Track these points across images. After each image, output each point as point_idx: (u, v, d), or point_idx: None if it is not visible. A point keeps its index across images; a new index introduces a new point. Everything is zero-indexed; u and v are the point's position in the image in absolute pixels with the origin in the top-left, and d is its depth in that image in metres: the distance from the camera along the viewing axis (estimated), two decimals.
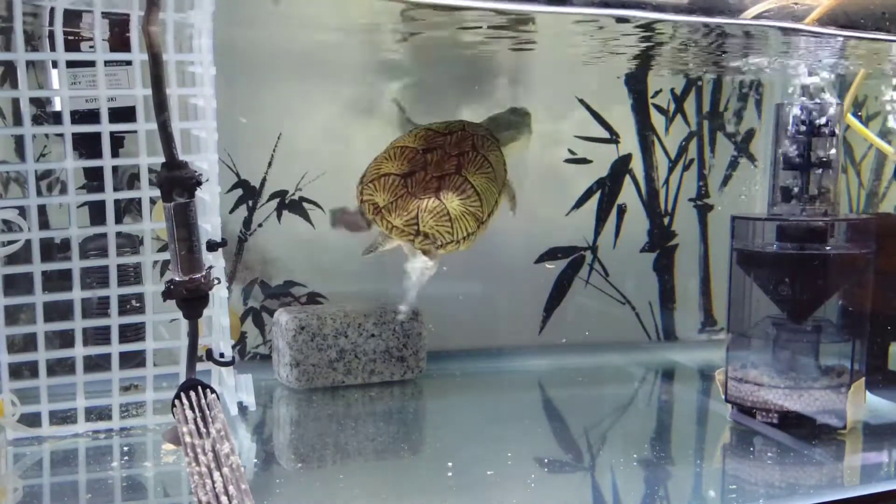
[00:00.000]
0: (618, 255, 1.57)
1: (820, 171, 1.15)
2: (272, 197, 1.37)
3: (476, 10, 0.97)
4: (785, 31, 1.00)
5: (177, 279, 0.84)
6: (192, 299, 0.85)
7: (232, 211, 1.35)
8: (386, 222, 1.18)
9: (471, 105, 1.45)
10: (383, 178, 1.20)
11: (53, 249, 1.09)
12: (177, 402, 0.85)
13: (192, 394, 0.85)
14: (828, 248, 1.12)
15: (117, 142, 1.08)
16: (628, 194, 1.57)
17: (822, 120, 1.14)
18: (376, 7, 1.04)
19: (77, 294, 1.02)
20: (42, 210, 1.11)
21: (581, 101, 1.52)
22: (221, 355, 1.06)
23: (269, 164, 1.37)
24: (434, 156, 1.23)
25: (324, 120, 1.39)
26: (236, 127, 1.30)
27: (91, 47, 0.99)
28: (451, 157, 1.23)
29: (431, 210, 1.18)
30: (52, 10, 0.96)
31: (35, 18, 1.02)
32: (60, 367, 1.04)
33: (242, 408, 1.15)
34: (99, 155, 1.01)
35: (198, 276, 0.84)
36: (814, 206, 1.15)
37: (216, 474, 0.74)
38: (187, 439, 0.79)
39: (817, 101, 1.18)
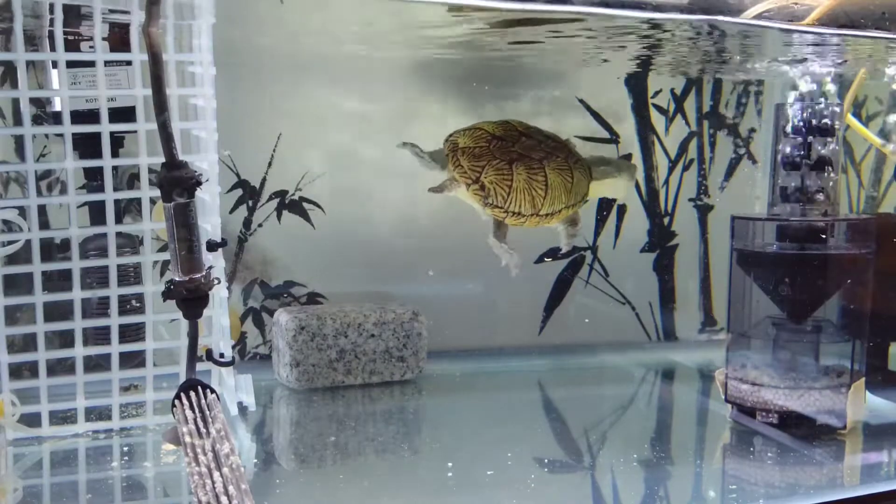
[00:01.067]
0: (618, 255, 1.57)
1: (820, 171, 1.15)
2: (272, 197, 1.37)
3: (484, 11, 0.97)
4: (785, 31, 1.00)
5: (177, 279, 0.84)
6: (192, 299, 0.85)
7: (232, 211, 1.35)
8: (456, 160, 1.21)
9: (471, 106, 1.45)
10: (474, 130, 1.23)
11: (53, 249, 1.09)
12: (177, 402, 0.85)
13: (192, 394, 0.85)
14: (828, 248, 1.12)
15: (117, 142, 1.08)
16: (628, 194, 1.57)
17: (822, 120, 1.14)
18: (376, 8, 1.04)
19: (77, 294, 1.02)
20: (42, 210, 1.11)
21: (581, 101, 1.52)
22: (221, 355, 1.06)
23: (269, 164, 1.37)
24: (529, 141, 1.25)
25: (324, 120, 1.39)
26: (236, 127, 1.30)
27: (91, 47, 0.99)
28: (541, 149, 1.25)
29: (498, 169, 1.21)
30: (52, 6, 0.96)
31: (36, 20, 1.02)
32: (60, 367, 1.04)
33: (242, 408, 1.15)
34: (99, 155, 1.01)
35: (198, 276, 0.84)
36: (814, 206, 1.15)
37: (216, 474, 0.74)
38: (187, 439, 0.79)
39: (817, 101, 1.19)
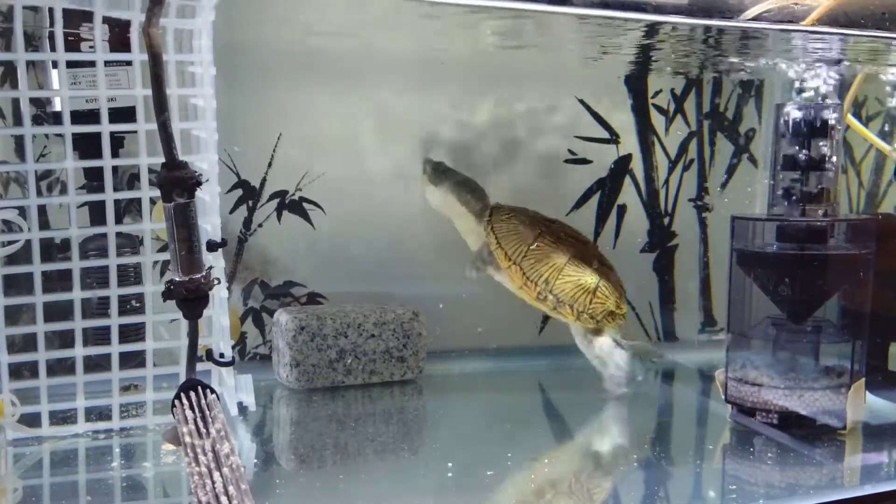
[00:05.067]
0: (618, 256, 1.57)
1: (820, 171, 1.15)
2: (272, 197, 1.37)
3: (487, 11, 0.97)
4: (785, 31, 1.00)
5: (177, 279, 0.84)
6: (192, 299, 0.85)
7: (232, 211, 1.35)
8: (620, 315, 1.29)
9: (471, 105, 1.45)
10: (598, 291, 1.27)
11: (53, 250, 1.09)
12: (177, 402, 0.85)
13: (192, 394, 0.85)
14: (828, 248, 1.12)
15: (117, 142, 1.08)
16: (628, 194, 1.57)
17: (822, 120, 1.14)
18: (377, 9, 1.04)
19: (77, 294, 1.02)
20: (42, 210, 1.11)
21: (581, 101, 1.52)
22: (221, 355, 1.06)
23: (269, 164, 1.37)
24: (568, 246, 1.30)
25: (324, 120, 1.39)
26: (236, 127, 1.30)
27: (91, 47, 0.99)
28: (564, 235, 1.31)
29: (616, 283, 1.31)
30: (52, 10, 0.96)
31: (35, 12, 1.02)
32: (60, 368, 1.04)
33: (242, 408, 1.15)
34: (99, 155, 1.01)
35: (198, 276, 0.84)
36: (814, 206, 1.15)
37: (216, 474, 0.74)
38: (187, 439, 0.79)
39: (817, 101, 1.19)
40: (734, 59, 1.34)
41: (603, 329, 1.28)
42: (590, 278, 1.27)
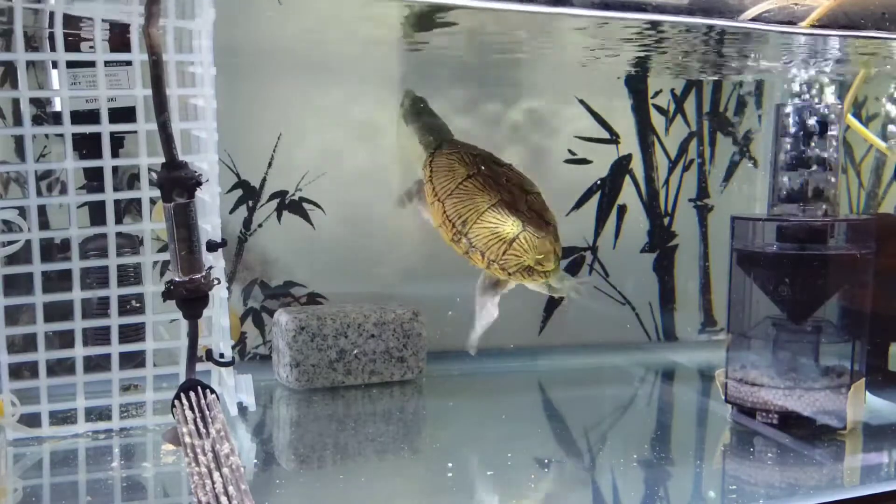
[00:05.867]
0: (618, 256, 1.57)
1: (819, 171, 1.15)
2: (272, 197, 1.37)
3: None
4: (784, 32, 1.00)
5: (177, 279, 0.84)
6: (192, 300, 0.85)
7: (232, 211, 1.35)
8: (542, 273, 1.22)
9: (472, 105, 1.45)
10: (515, 243, 1.20)
11: (53, 250, 1.09)
12: (177, 402, 0.85)
13: (192, 394, 0.85)
14: (828, 248, 1.12)
15: (117, 142, 1.08)
16: (628, 194, 1.57)
17: (822, 120, 1.14)
18: (377, 9, 1.04)
19: (77, 294, 1.02)
20: (42, 210, 1.11)
21: (581, 101, 1.52)
22: (221, 356, 1.06)
23: (269, 164, 1.37)
24: (509, 195, 1.23)
25: (324, 120, 1.39)
26: (236, 127, 1.30)
27: (91, 47, 0.99)
28: (513, 186, 1.25)
29: (556, 238, 1.23)
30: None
31: (35, 14, 1.02)
32: (60, 368, 1.04)
33: (242, 408, 1.15)
34: (99, 155, 1.01)
35: (198, 276, 0.84)
36: (813, 206, 1.15)
37: (216, 475, 0.74)
38: (187, 440, 0.79)
39: (817, 101, 1.18)
40: (734, 60, 1.34)
41: (505, 284, 1.24)
42: (510, 228, 1.19)
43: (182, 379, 0.90)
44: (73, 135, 1.00)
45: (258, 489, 0.88)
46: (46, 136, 1.15)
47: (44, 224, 1.07)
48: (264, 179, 1.37)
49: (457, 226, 1.20)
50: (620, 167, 1.56)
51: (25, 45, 0.97)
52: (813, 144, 1.14)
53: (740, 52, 1.25)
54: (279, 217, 1.38)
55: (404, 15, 1.07)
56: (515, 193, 1.24)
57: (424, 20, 1.09)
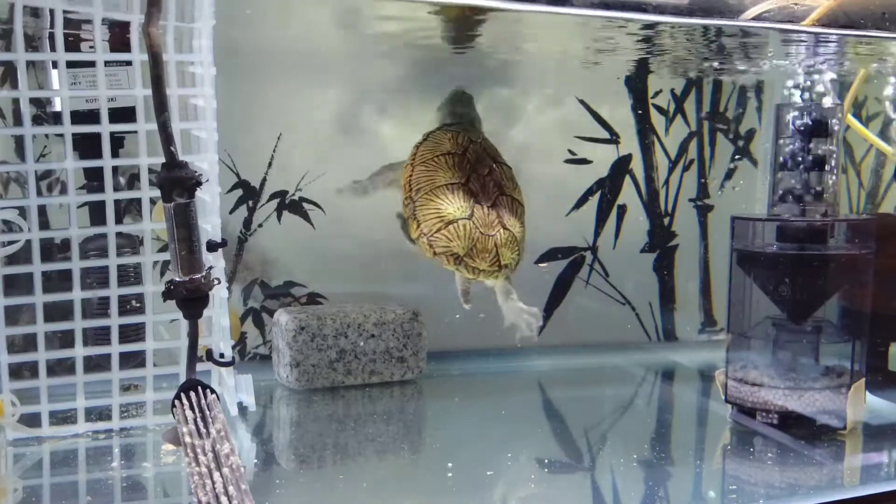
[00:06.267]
0: (618, 256, 1.57)
1: (820, 171, 1.15)
2: (272, 197, 1.37)
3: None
4: (785, 31, 1.00)
5: (177, 279, 0.84)
6: (192, 300, 0.85)
7: (232, 211, 1.35)
8: (471, 269, 1.20)
9: (475, 105, 1.45)
10: (452, 226, 1.19)
11: (53, 250, 1.09)
12: (177, 402, 0.85)
13: (192, 394, 0.85)
14: (828, 248, 1.12)
15: (117, 142, 1.08)
16: (628, 194, 1.57)
17: (822, 120, 1.14)
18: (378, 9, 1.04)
19: (77, 294, 1.02)
20: (42, 210, 1.11)
21: (581, 101, 1.52)
22: (221, 356, 1.06)
23: (269, 164, 1.37)
24: (474, 183, 1.23)
25: (324, 120, 1.39)
26: (236, 127, 1.30)
27: (91, 47, 0.99)
28: (486, 179, 1.24)
29: (506, 243, 1.21)
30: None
31: (36, 19, 1.02)
32: (60, 368, 1.04)
33: (242, 408, 1.15)
34: (99, 155, 1.01)
35: (198, 276, 0.84)
36: (814, 206, 1.15)
37: (216, 475, 0.74)
38: (187, 440, 0.79)
39: (817, 101, 1.19)
40: (734, 60, 1.34)
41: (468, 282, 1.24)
42: (455, 211, 1.18)
43: (182, 379, 0.90)
44: (73, 135, 1.00)
45: (258, 489, 0.88)
46: (46, 136, 1.15)
47: (44, 224, 1.07)
48: (264, 179, 1.37)
49: (412, 191, 1.20)
50: (620, 167, 1.56)
51: (25, 45, 0.96)
52: (813, 144, 1.14)
53: (740, 50, 1.25)
54: (279, 217, 1.38)
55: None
56: (488, 189, 1.22)
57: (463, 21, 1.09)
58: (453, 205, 1.19)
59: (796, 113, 1.15)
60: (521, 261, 1.27)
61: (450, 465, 1.00)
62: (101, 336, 1.05)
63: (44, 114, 1.15)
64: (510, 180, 1.27)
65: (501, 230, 1.21)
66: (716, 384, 1.21)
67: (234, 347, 1.32)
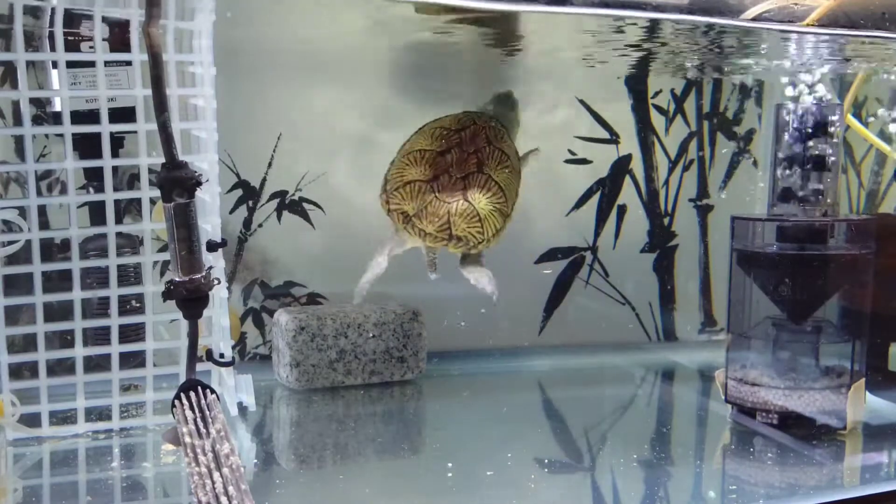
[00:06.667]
0: (618, 256, 1.57)
1: (819, 171, 1.15)
2: (272, 197, 1.37)
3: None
4: (784, 31, 1.00)
5: (177, 279, 0.84)
6: (192, 300, 0.85)
7: (232, 211, 1.35)
8: (418, 230, 1.19)
9: (472, 106, 1.45)
10: (409, 186, 1.20)
11: (53, 250, 1.09)
12: (177, 402, 0.85)
13: (192, 394, 0.85)
14: (828, 248, 1.12)
15: (117, 142, 1.08)
16: (628, 195, 1.57)
17: (822, 120, 1.14)
18: (377, 7, 1.04)
19: (77, 294, 1.02)
20: (42, 210, 1.11)
21: (581, 101, 1.52)
22: (221, 356, 1.06)
23: (269, 164, 1.37)
24: (453, 155, 1.23)
25: (324, 120, 1.39)
26: (236, 127, 1.30)
27: (91, 47, 0.99)
28: (470, 155, 1.24)
29: (462, 213, 1.19)
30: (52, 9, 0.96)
31: (36, 19, 1.02)
32: (60, 368, 1.04)
33: (242, 408, 1.15)
34: (99, 155, 1.01)
35: (198, 276, 0.84)
36: (813, 206, 1.15)
37: (216, 475, 0.74)
38: (187, 440, 0.79)
39: (817, 101, 1.18)
40: (734, 60, 1.34)
41: (402, 242, 1.23)
42: (416, 173, 1.20)
43: (182, 379, 0.90)
44: (73, 135, 1.00)
45: (258, 489, 0.88)
46: (46, 136, 1.15)
47: (44, 224, 1.07)
48: (264, 179, 1.37)
49: (398, 154, 1.24)
50: (620, 167, 1.56)
51: (25, 45, 0.96)
52: (813, 144, 1.14)
53: (740, 50, 1.25)
54: (279, 217, 1.38)
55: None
56: (466, 163, 1.22)
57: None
58: (417, 168, 1.21)
59: (796, 113, 1.15)
60: (491, 242, 1.23)
61: (450, 465, 1.00)
62: (101, 336, 1.05)
63: (44, 114, 1.15)
64: (499, 164, 1.26)
65: (461, 201, 1.20)
66: (716, 384, 1.21)
67: (234, 347, 1.32)
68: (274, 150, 1.37)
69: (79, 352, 1.03)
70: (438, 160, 1.22)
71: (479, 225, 1.21)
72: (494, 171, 1.24)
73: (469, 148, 1.24)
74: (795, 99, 1.28)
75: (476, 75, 1.46)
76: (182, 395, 0.85)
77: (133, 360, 1.07)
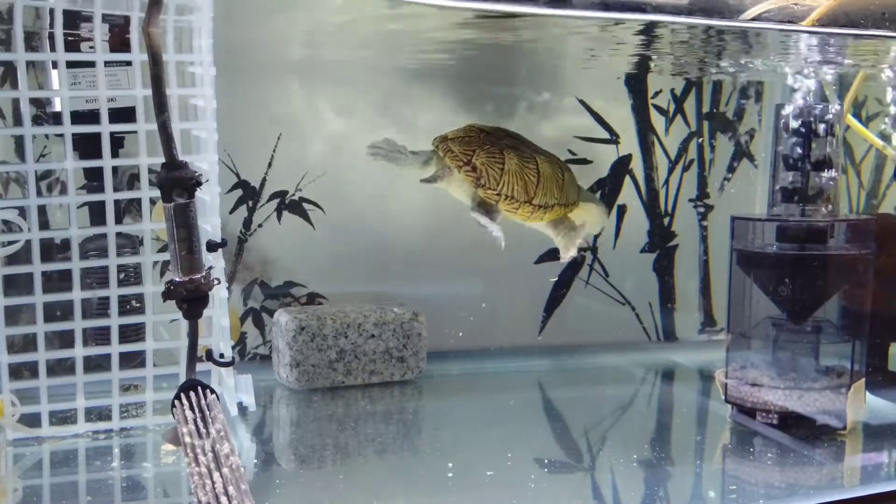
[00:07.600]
0: (618, 256, 1.57)
1: (820, 171, 1.15)
2: (272, 197, 1.37)
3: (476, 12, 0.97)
4: (784, 32, 1.00)
5: (177, 280, 0.84)
6: (192, 300, 0.85)
7: (232, 211, 1.35)
8: (447, 147, 1.21)
9: (473, 106, 1.45)
10: (465, 128, 1.24)
11: (53, 250, 1.09)
12: (177, 402, 0.85)
13: (192, 394, 0.85)
14: (828, 248, 1.12)
15: (117, 142, 1.08)
16: (628, 195, 1.57)
17: (822, 120, 1.14)
18: (378, 7, 1.04)
19: (77, 294, 1.02)
20: (42, 210, 1.11)
21: (581, 101, 1.52)
22: (221, 356, 1.06)
23: (269, 164, 1.37)
24: (517, 141, 1.26)
25: (324, 121, 1.39)
26: (236, 127, 1.30)
27: (91, 47, 0.99)
28: (529, 148, 1.26)
29: (490, 153, 1.21)
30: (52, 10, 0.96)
31: (36, 19, 1.02)
32: (60, 368, 1.04)
33: (242, 408, 1.15)
34: (99, 155, 1.01)
35: (198, 276, 0.84)
36: (813, 206, 1.15)
37: (216, 475, 0.74)
38: (187, 440, 0.79)
39: (817, 101, 1.18)
40: (734, 60, 1.34)
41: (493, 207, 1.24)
42: (476, 132, 1.24)
43: (182, 379, 0.90)
44: (73, 135, 1.00)
45: (258, 489, 0.88)
46: (46, 136, 1.15)
47: (44, 224, 1.07)
48: (264, 179, 1.37)
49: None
50: (620, 167, 1.56)
51: (25, 45, 0.96)
52: (813, 144, 1.14)
53: (740, 50, 1.25)
54: (279, 217, 1.38)
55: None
56: (525, 145, 1.26)
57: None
58: (479, 132, 1.24)
59: (796, 113, 1.15)
60: (503, 203, 1.22)
61: (450, 465, 1.00)
62: (101, 336, 1.05)
63: (44, 114, 1.15)
64: (551, 165, 1.26)
65: (495, 148, 1.23)
66: (716, 384, 1.21)
67: (234, 347, 1.32)
68: (274, 150, 1.37)
69: (79, 352, 1.03)
70: (504, 137, 1.24)
71: (500, 171, 1.21)
72: (542, 163, 1.25)
73: (532, 147, 1.27)
74: (795, 99, 1.28)
75: (476, 75, 1.46)
76: (182, 395, 0.85)
77: (133, 360, 1.07)
